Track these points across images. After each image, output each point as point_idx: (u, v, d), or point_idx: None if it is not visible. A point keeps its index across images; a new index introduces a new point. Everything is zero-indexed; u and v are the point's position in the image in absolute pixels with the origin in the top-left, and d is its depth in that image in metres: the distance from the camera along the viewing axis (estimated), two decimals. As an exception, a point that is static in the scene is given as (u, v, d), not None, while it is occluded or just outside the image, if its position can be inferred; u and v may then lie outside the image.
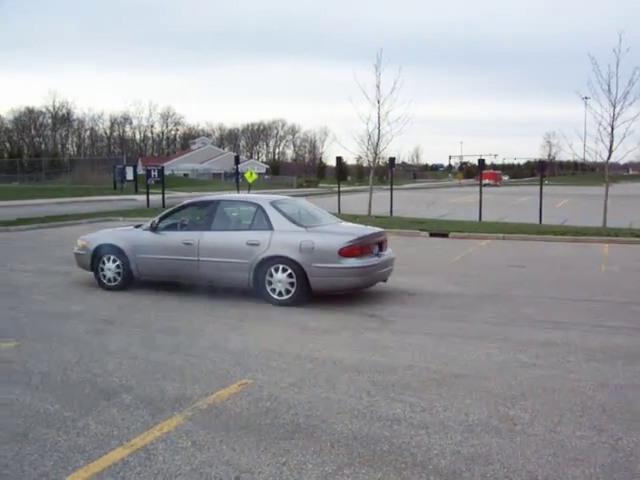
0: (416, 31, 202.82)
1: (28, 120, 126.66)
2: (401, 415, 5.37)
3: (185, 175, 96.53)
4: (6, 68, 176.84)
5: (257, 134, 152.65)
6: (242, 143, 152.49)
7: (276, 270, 9.94)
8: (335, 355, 7.16)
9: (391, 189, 30.47)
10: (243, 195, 12.06)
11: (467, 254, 16.73)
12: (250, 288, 10.27)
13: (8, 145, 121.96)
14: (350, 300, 10.20)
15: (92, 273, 11.57)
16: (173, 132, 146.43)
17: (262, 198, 11.28)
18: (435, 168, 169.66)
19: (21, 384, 6.17)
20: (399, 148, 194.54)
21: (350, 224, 12.08)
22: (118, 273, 11.22)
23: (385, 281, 11.02)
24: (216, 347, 7.47)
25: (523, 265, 14.62)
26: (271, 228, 10.21)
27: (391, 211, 29.25)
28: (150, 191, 35.45)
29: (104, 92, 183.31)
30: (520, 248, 18.10)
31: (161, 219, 11.30)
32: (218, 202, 11.23)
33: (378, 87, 27.91)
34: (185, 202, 11.93)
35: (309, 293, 9.97)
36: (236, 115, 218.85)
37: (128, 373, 6.48)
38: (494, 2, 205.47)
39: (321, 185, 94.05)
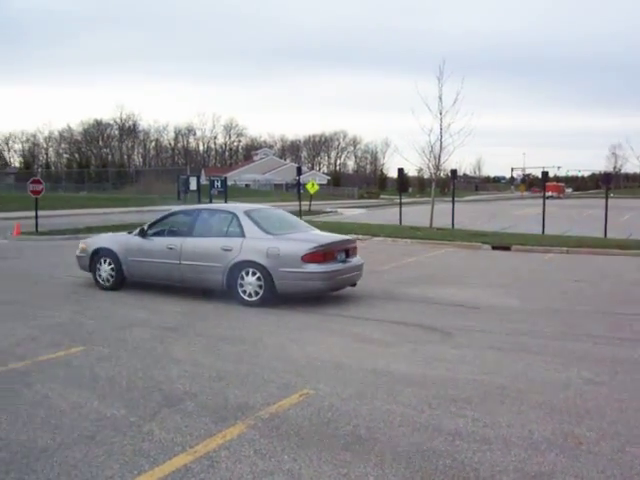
0: (479, 42, 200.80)
1: (96, 132, 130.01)
2: (463, 430, 5.32)
3: (247, 186, 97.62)
4: (77, 82, 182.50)
5: (319, 145, 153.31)
6: (304, 154, 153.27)
7: (246, 273, 10.78)
8: (396, 367, 7.13)
9: (453, 201, 30.26)
10: (221, 205, 13.00)
11: (529, 268, 16.47)
12: (224, 290, 11.05)
13: (77, 156, 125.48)
14: (409, 313, 10.18)
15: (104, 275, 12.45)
16: (236, 143, 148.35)
17: (238, 207, 12.33)
18: (497, 180, 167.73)
19: (89, 388, 6.33)
20: (460, 160, 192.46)
21: (320, 232, 12.57)
22: (111, 274, 12.27)
23: (354, 285, 11.92)
24: (277, 357, 7.52)
25: (587, 279, 14.30)
26: (243, 235, 11.12)
27: (453, 223, 29.01)
28: (213, 201, 35.90)
29: (169, 104, 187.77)
30: (584, 262, 17.73)
31: (150, 226, 12.25)
32: (200, 211, 12.42)
33: (440, 98, 27.82)
34: (171, 211, 12.96)
35: (275, 295, 10.70)
36: (298, 126, 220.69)
37: (191, 380, 6.58)
38: (558, 13, 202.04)
39: (382, 196, 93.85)
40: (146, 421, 5.46)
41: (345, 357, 7.55)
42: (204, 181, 63.85)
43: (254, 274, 10.70)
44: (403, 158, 77.10)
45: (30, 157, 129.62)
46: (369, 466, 4.63)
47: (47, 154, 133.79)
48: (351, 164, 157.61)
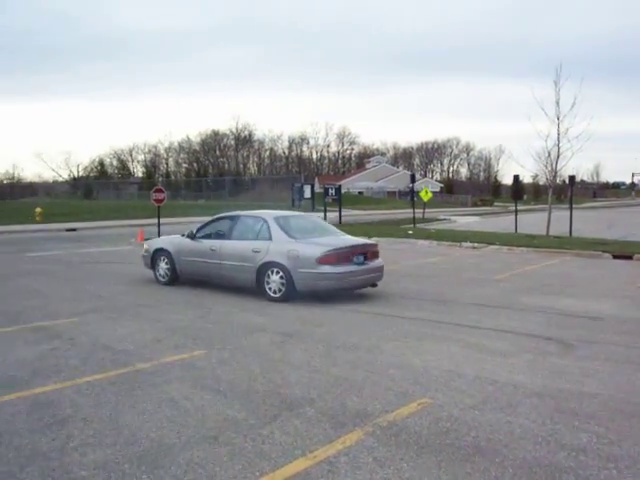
0: (596, 45, 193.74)
1: (213, 142, 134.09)
2: (587, 445, 5.14)
3: (360, 193, 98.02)
4: (195, 94, 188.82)
5: (431, 152, 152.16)
6: (416, 161, 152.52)
7: (272, 273, 12.06)
8: (515, 378, 6.98)
9: (570, 208, 29.34)
10: (255, 212, 14.24)
11: (657, 279, 15.71)
12: (254, 287, 12.37)
13: (195, 165, 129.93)
14: (527, 322, 9.93)
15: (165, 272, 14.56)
16: (348, 151, 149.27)
17: (269, 214, 13.37)
18: (616, 186, 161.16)
19: (211, 390, 6.53)
20: (578, 165, 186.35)
21: (345, 237, 13.34)
22: (167, 271, 14.17)
23: (374, 286, 12.95)
24: (394, 364, 7.50)
25: None
26: (270, 239, 12.37)
27: (570, 231, 28.11)
28: (327, 209, 36.26)
29: (283, 114, 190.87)
30: None
31: (198, 230, 13.86)
32: (238, 217, 13.58)
33: (557, 103, 27.07)
34: (216, 216, 14.44)
35: (296, 292, 11.82)
36: (410, 134, 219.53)
37: (310, 386, 6.67)
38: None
39: (496, 204, 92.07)
40: (266, 424, 5.58)
41: (463, 366, 7.45)
42: (318, 189, 64.58)
43: (277, 273, 11.97)
44: (518, 164, 75.34)
45: (152, 167, 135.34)
46: (489, 478, 4.56)
47: (167, 164, 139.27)
48: (464, 171, 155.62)
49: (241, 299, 12.07)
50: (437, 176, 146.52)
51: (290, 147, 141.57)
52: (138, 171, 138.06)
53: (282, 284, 11.90)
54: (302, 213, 15.99)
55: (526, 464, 4.78)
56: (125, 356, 7.86)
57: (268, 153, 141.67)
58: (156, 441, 5.21)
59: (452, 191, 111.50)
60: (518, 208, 32.39)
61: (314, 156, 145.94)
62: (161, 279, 14.26)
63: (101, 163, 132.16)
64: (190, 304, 11.52)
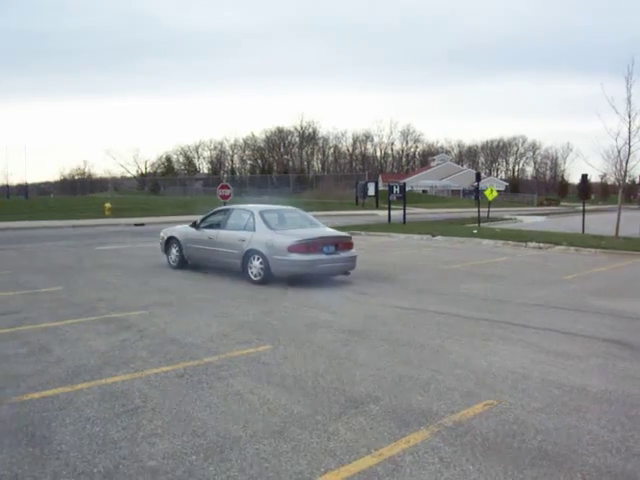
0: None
1: (278, 139, 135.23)
2: (661, 454, 5.01)
3: (424, 191, 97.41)
4: (261, 92, 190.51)
5: (496, 151, 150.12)
6: (481, 160, 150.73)
7: (253, 259, 13.91)
8: (583, 382, 6.84)
9: (642, 209, 28.50)
10: (246, 205, 16.26)
11: None
12: (240, 271, 14.24)
13: (260, 162, 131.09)
14: (596, 325, 9.71)
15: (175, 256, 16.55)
16: (412, 149, 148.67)
17: (255, 208, 15.27)
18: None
19: (277, 386, 6.59)
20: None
21: (320, 229, 14.95)
22: (177, 256, 16.26)
23: (347, 274, 14.50)
24: (460, 365, 7.44)
25: None
26: (254, 230, 14.22)
27: (642, 233, 27.33)
28: (391, 207, 36.13)
29: (348, 111, 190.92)
30: None
31: (201, 220, 16.01)
32: (232, 210, 15.68)
33: (629, 100, 26.32)
34: (215, 210, 16.43)
35: (272, 276, 13.62)
36: (475, 131, 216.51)
37: (375, 384, 6.66)
38: None
39: (562, 203, 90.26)
40: (331, 421, 5.60)
41: (529, 368, 7.33)
42: (381, 187, 64.43)
43: (258, 259, 13.80)
44: (586, 163, 73.24)
45: (217, 163, 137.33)
46: (558, 484, 4.49)
47: (232, 160, 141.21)
48: (530, 170, 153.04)
49: (305, 296, 12.14)
50: (502, 175, 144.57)
51: (354, 144, 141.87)
52: (204, 167, 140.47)
53: (261, 269, 13.70)
54: (291, 207, 17.53)
55: (595, 471, 4.68)
56: (192, 349, 8.00)
57: (332, 150, 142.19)
58: (222, 434, 5.29)
59: (517, 190, 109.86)
60: (585, 208, 31.65)
61: (378, 154, 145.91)
62: (172, 263, 16.39)
63: (168, 159, 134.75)
64: (254, 300, 11.64)
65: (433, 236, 26.63)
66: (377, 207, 55.32)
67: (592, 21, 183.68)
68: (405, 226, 31.98)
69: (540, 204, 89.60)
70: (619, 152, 27.12)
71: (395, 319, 10.07)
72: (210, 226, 15.58)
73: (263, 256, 13.62)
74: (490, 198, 36.01)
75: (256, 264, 13.80)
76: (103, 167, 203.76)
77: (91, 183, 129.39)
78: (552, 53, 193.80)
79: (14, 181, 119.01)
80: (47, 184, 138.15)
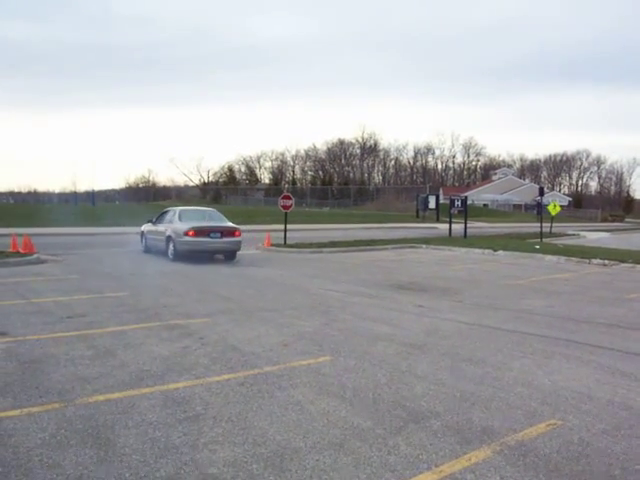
0: None
1: (339, 150, 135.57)
2: None
3: (485, 205, 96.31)
4: (323, 102, 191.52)
5: (559, 165, 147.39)
6: (544, 174, 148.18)
7: (169, 242, 20.25)
8: (652, 406, 6.64)
9: None
10: (175, 207, 22.98)
11: None
12: (165, 252, 20.44)
13: (321, 173, 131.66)
14: (668, 348, 9.41)
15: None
16: (474, 162, 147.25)
17: (178, 208, 22.21)
18: None
19: (337, 397, 6.58)
20: None
21: (218, 222, 21.02)
22: (144, 245, 23.11)
23: (226, 255, 20.90)
24: (522, 382, 7.30)
25: None
26: (172, 222, 20.55)
27: None
28: (452, 220, 35.81)
29: (409, 124, 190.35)
30: None
31: (156, 218, 22.40)
32: (169, 210, 22.31)
33: None
34: (162, 210, 23.20)
35: (177, 255, 19.75)
36: (538, 145, 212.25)
37: (435, 399, 6.60)
38: None
39: (627, 220, 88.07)
40: (392, 435, 5.57)
41: (594, 389, 7.15)
42: (442, 200, 63.97)
43: (171, 242, 20.04)
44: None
45: (278, 174, 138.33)
46: (625, 509, 4.36)
47: (293, 171, 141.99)
48: (594, 185, 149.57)
49: (365, 308, 12.11)
50: (565, 189, 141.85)
51: (415, 157, 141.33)
52: (265, 177, 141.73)
53: (172, 249, 19.93)
54: (206, 208, 24.76)
55: (665, 497, 4.54)
56: (253, 358, 8.06)
57: (393, 162, 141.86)
58: (282, 444, 5.31)
59: (581, 205, 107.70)
60: (654, 225, 30.85)
61: (439, 167, 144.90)
62: (143, 249, 23.09)
63: (230, 169, 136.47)
64: (315, 310, 11.66)
65: (495, 251, 26.27)
66: (438, 220, 54.96)
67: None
68: (466, 240, 31.63)
69: (604, 220, 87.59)
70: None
71: (456, 334, 9.96)
72: (157, 222, 22.04)
73: (173, 240, 19.80)
74: (553, 213, 35.38)
75: (170, 246, 20.08)
76: (167, 175, 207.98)
77: (155, 191, 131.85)
78: (619, 65, 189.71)
79: (82, 188, 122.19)
80: (112, 191, 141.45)
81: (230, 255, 20.84)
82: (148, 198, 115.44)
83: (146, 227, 23.13)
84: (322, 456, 5.08)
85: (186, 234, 19.27)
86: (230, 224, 20.92)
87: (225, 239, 20.00)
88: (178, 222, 20.12)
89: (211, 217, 21.61)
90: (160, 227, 21.33)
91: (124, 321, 10.23)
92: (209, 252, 20.20)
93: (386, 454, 5.15)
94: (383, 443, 5.38)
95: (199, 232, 19.41)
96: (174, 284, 14.78)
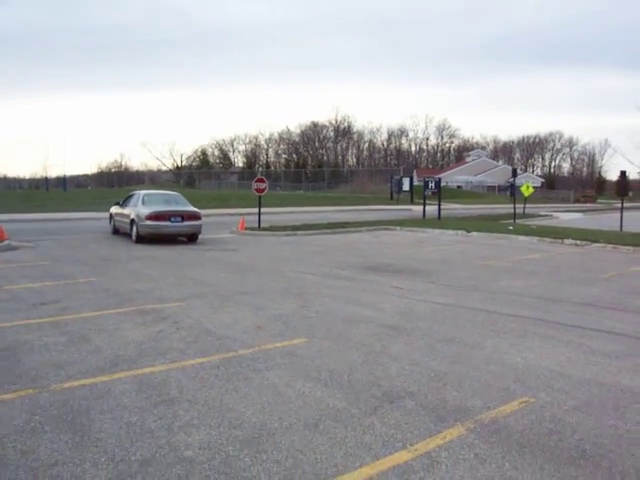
0: None
1: (313, 133, 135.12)
2: (703, 456, 4.92)
3: (458, 187, 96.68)
4: (296, 86, 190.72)
5: (532, 147, 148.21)
6: (517, 156, 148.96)
7: (133, 225, 20.75)
8: (622, 382, 6.74)
9: (684, 207, 28.00)
10: (139, 191, 23.83)
11: None
12: (129, 234, 21.11)
13: (295, 156, 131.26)
14: (636, 325, 9.55)
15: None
16: (448, 144, 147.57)
17: (142, 192, 22.75)
18: None
19: (312, 379, 6.61)
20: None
21: (180, 207, 21.49)
22: (113, 227, 23.78)
23: (188, 238, 21.43)
24: (496, 361, 7.39)
25: None
26: (136, 206, 20.97)
27: (682, 231, 26.82)
28: (426, 202, 35.94)
29: (383, 106, 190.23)
30: None
31: (123, 201, 23.07)
32: (134, 194, 22.71)
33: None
34: (129, 194, 23.50)
35: (140, 237, 20.33)
36: (511, 127, 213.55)
37: (410, 379, 6.65)
38: None
39: (599, 201, 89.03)
40: (367, 414, 5.61)
41: (567, 367, 7.25)
42: (416, 182, 64.15)
43: (135, 225, 20.52)
44: (625, 160, 72.05)
45: (252, 157, 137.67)
46: (596, 483, 4.44)
47: (267, 154, 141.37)
48: (566, 166, 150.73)
49: (340, 290, 12.15)
50: (538, 171, 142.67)
51: (389, 139, 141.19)
52: (239, 161, 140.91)
53: (136, 231, 20.45)
54: (170, 192, 25.47)
55: (635, 472, 4.63)
56: (228, 341, 8.07)
57: (367, 145, 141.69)
58: (258, 426, 5.33)
59: (553, 187, 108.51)
60: (624, 205, 31.17)
61: (413, 149, 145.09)
62: (111, 231, 23.78)
63: (203, 153, 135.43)
64: (290, 293, 11.68)
65: (468, 232, 26.43)
66: (412, 202, 55.13)
67: (633, 15, 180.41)
68: (440, 222, 31.78)
69: (577, 201, 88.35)
70: (660, 148, 26.59)
71: (430, 314, 10.03)
72: (124, 205, 22.57)
73: (136, 223, 20.41)
74: (526, 194, 35.64)
75: (134, 228, 20.63)
76: (139, 160, 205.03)
77: (128, 176, 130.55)
78: (591, 47, 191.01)
79: (53, 173, 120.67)
80: (84, 177, 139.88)
81: (191, 238, 21.48)
82: (121, 183, 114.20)
83: (114, 209, 23.81)
84: (298, 437, 5.11)
85: (148, 218, 19.99)
86: (191, 208, 21.54)
87: (186, 223, 20.69)
88: (141, 206, 20.73)
89: (174, 201, 22.24)
90: (126, 210, 21.91)
91: (97, 306, 10.17)
92: (170, 235, 20.83)
93: (361, 434, 5.19)
94: (358, 423, 5.42)
95: (160, 216, 20.15)
96: (147, 268, 14.71)
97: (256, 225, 26.13)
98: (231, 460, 4.68)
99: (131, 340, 8.05)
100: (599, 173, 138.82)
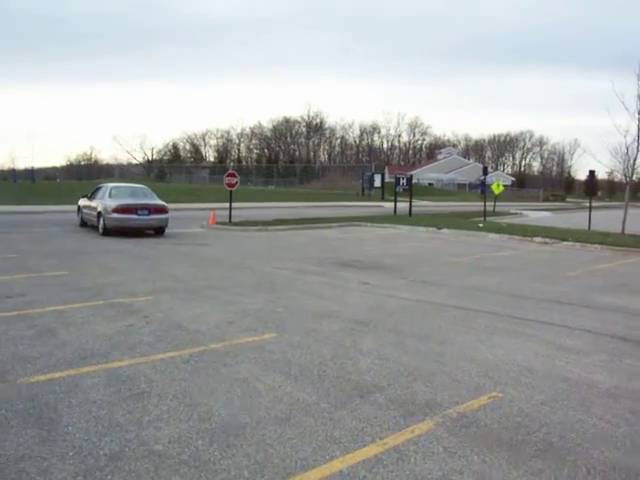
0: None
1: (285, 128, 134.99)
2: (666, 450, 5.01)
3: (430, 184, 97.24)
4: (269, 81, 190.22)
5: (503, 145, 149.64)
6: (488, 154, 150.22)
7: (100, 217, 20.68)
8: (589, 377, 6.84)
9: (649, 207, 28.45)
10: (107, 183, 24.65)
11: None
12: (96, 226, 21.04)
13: (266, 151, 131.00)
14: (601, 322, 9.69)
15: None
16: (419, 142, 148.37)
17: (110, 185, 23.18)
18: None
19: (282, 373, 6.61)
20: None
21: (147, 200, 21.56)
22: (80, 219, 23.67)
23: (154, 231, 21.39)
24: (465, 357, 7.45)
25: None
26: (103, 198, 21.11)
27: (646, 230, 27.24)
28: (397, 199, 36.09)
29: (355, 103, 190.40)
30: None
31: (91, 194, 22.82)
32: (102, 186, 22.90)
33: (639, 97, 26.08)
34: (97, 187, 23.54)
35: (106, 229, 20.29)
36: (482, 126, 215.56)
37: (380, 374, 6.68)
38: None
39: (568, 199, 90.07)
40: (337, 409, 5.62)
41: (534, 362, 7.34)
42: (387, 179, 64.36)
43: (101, 217, 20.52)
44: (595, 160, 73.05)
45: (223, 152, 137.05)
46: (561, 477, 4.49)
47: (239, 149, 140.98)
48: (536, 165, 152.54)
49: (311, 285, 12.16)
50: (509, 169, 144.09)
51: (361, 136, 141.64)
52: (210, 156, 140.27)
53: (103, 224, 20.43)
54: (138, 185, 25.08)
55: (599, 465, 4.69)
56: (198, 335, 8.03)
57: (339, 141, 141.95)
58: (228, 420, 5.31)
59: (524, 185, 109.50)
60: (592, 204, 31.57)
61: (385, 145, 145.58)
62: (79, 223, 23.74)
63: (174, 147, 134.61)
64: (261, 287, 11.67)
65: (439, 229, 26.60)
66: (383, 199, 55.30)
67: (605, 17, 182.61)
68: (411, 218, 31.93)
69: (546, 199, 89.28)
70: (627, 149, 26.92)
71: (401, 310, 10.08)
72: (91, 197, 22.49)
73: (102, 215, 20.40)
74: (496, 192, 35.93)
75: (101, 221, 20.58)
76: (110, 153, 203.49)
77: (97, 169, 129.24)
78: (561, 48, 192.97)
79: (21, 165, 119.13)
80: (53, 169, 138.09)
81: (158, 231, 21.49)
82: (90, 176, 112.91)
83: (82, 202, 23.75)
84: (268, 431, 5.10)
85: (114, 211, 20.09)
86: (158, 201, 21.63)
87: (153, 216, 20.78)
88: (108, 199, 20.84)
89: (141, 194, 22.36)
90: (93, 203, 21.91)
91: (65, 300, 10.07)
92: (137, 228, 20.74)
93: (331, 428, 5.20)
94: (328, 417, 5.43)
95: (127, 209, 20.23)
96: (116, 262, 14.59)
97: (227, 220, 26.03)
98: (201, 454, 4.66)
99: (100, 334, 7.98)
100: (568, 172, 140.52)
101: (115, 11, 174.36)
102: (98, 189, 22.75)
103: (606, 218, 34.30)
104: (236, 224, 25.39)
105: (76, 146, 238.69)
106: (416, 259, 17.03)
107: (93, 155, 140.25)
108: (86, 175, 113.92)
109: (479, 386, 6.40)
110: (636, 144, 26.45)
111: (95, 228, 21.50)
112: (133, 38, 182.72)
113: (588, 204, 32.11)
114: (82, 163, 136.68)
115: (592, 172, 32.10)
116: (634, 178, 29.51)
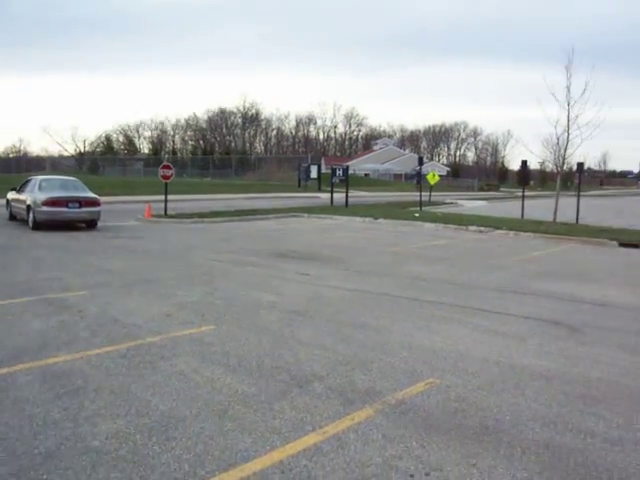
0: (607, 29, 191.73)
1: (220, 120, 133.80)
2: (594, 428, 5.17)
3: (366, 175, 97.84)
4: (203, 72, 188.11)
5: (438, 136, 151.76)
6: (423, 145, 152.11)
7: (29, 211, 20.17)
8: (523, 361, 7.01)
9: (578, 195, 29.25)
10: (37, 176, 24.04)
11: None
12: (26, 220, 20.42)
13: (202, 143, 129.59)
14: (534, 307, 9.96)
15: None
16: (355, 133, 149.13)
17: (39, 177, 22.70)
18: (623, 175, 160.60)
19: (221, 365, 6.57)
20: (585, 153, 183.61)
21: (79, 192, 21.06)
22: (10, 213, 23.02)
23: (86, 224, 20.95)
24: (402, 344, 7.54)
25: None
26: (33, 191, 20.56)
27: (577, 218, 28.02)
28: (333, 189, 36.21)
29: (291, 94, 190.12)
30: None
31: (20, 187, 22.25)
32: (31, 179, 22.39)
33: (568, 89, 26.63)
34: (26, 179, 23.00)
35: (36, 223, 19.77)
36: (418, 117, 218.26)
37: (319, 363, 6.70)
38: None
39: (502, 189, 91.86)
40: (276, 399, 5.62)
41: (470, 348, 7.48)
42: (324, 170, 64.51)
43: (31, 211, 19.98)
44: (527, 150, 74.11)
45: (158, 144, 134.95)
46: (498, 458, 4.59)
47: (174, 141, 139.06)
48: (471, 155, 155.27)
49: (249, 277, 12.12)
50: (444, 160, 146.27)
51: (297, 127, 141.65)
52: (144, 147, 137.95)
53: (33, 218, 19.90)
54: (68, 177, 24.50)
55: (534, 445, 4.82)
56: (134, 329, 7.92)
57: (275, 132, 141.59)
58: (166, 413, 5.25)
59: (459, 175, 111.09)
60: (525, 194, 32.30)
61: (321, 137, 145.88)
62: (8, 217, 23.08)
63: (107, 139, 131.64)
64: (198, 280, 11.56)
65: (376, 219, 26.81)
66: (319, 190, 55.37)
67: (536, 9, 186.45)
68: (348, 209, 32.10)
69: (481, 189, 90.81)
70: (558, 139, 27.53)
71: (339, 300, 10.13)
72: (20, 190, 21.95)
73: (32, 209, 19.90)
74: (432, 182, 36.41)
75: (31, 215, 20.08)
76: (40, 145, 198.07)
77: (27, 161, 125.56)
78: (497, 40, 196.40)
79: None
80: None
81: (90, 224, 21.07)
82: (20, 169, 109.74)
83: (11, 195, 23.26)
84: (207, 423, 5.07)
85: (44, 204, 19.67)
86: (90, 194, 21.25)
87: (84, 209, 20.38)
88: (38, 192, 20.36)
89: (72, 187, 21.90)
90: (22, 196, 21.38)
91: (-4, 296, 9.79)
92: (68, 221, 20.32)
93: (271, 418, 5.20)
94: (268, 408, 5.42)
95: (57, 202, 19.83)
96: (48, 257, 14.25)
97: (162, 212, 25.69)
98: (139, 448, 4.60)
99: (33, 330, 7.79)
100: (502, 162, 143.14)
101: (47, 1, 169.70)
102: (27, 182, 22.25)
103: (538, 207, 35.12)
104: (172, 217, 25.09)
105: (3, 138, 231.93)
106: (354, 249, 17.14)
107: (22, 147, 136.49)
108: (15, 168, 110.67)
109: (417, 373, 6.49)
110: (566, 135, 27.09)
111: (25, 222, 20.88)
112: (64, 28, 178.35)
113: (521, 193, 32.80)
114: (10, 155, 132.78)
115: (524, 162, 32.78)
116: (565, 168, 30.14)
